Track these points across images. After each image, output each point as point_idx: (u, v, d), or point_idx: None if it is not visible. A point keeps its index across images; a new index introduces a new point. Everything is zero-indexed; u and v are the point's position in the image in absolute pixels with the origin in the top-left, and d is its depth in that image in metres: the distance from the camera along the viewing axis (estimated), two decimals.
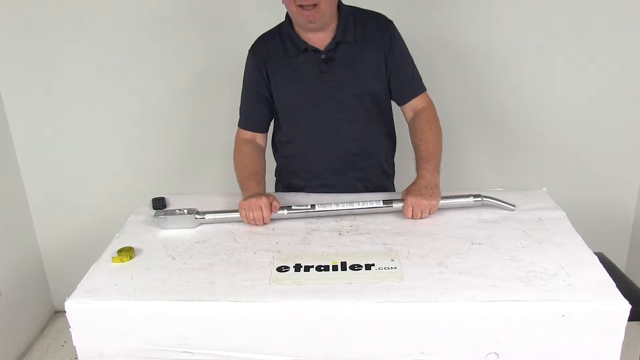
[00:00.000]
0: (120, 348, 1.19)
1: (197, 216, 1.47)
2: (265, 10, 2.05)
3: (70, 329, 1.17)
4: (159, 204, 1.59)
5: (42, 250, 2.53)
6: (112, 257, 1.32)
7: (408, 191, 1.49)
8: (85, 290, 1.20)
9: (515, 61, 2.15)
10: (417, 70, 1.67)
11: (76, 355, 1.20)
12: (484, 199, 1.49)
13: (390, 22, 1.63)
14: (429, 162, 1.55)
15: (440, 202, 1.48)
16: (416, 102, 1.66)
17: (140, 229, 1.48)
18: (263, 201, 1.45)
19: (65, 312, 1.16)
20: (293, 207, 1.49)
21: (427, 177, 1.51)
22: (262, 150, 1.71)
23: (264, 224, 1.47)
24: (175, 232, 1.45)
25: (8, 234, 2.32)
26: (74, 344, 1.19)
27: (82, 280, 1.24)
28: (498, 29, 2.12)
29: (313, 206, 1.49)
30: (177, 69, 2.22)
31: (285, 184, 1.78)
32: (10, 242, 2.33)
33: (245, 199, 1.48)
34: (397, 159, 1.83)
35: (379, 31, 1.60)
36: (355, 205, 1.49)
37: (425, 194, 1.46)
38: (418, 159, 1.58)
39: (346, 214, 1.50)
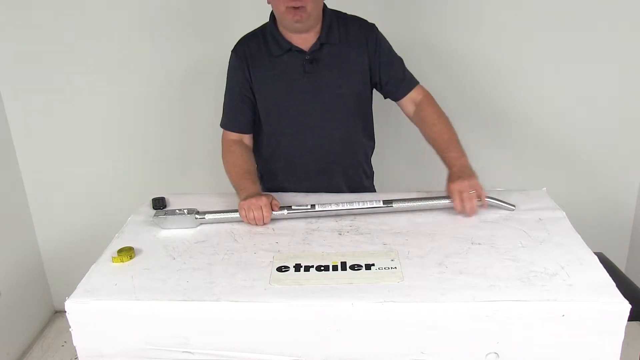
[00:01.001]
0: (120, 348, 1.19)
1: (197, 216, 1.47)
2: (259, 9, 2.06)
3: (70, 329, 1.17)
4: (159, 204, 1.59)
5: (42, 250, 2.53)
6: (112, 257, 1.32)
7: (448, 184, 1.49)
8: (85, 290, 1.20)
9: (515, 61, 2.15)
10: (406, 68, 1.69)
11: (76, 355, 1.20)
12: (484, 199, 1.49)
13: (373, 25, 1.65)
14: (451, 150, 1.56)
15: (439, 202, 1.48)
16: (414, 95, 1.68)
17: (140, 229, 1.48)
18: (263, 201, 1.45)
19: (65, 312, 1.16)
20: (293, 207, 1.49)
21: (456, 164, 1.52)
22: (251, 150, 1.71)
23: (264, 223, 1.46)
24: (175, 232, 1.45)
25: (8, 234, 2.32)
26: (74, 344, 1.19)
27: (82, 280, 1.24)
28: (497, 29, 2.12)
29: (313, 206, 1.49)
30: (176, 68, 2.22)
31: (268, 187, 1.75)
32: (10, 242, 2.33)
33: (244, 198, 1.48)
34: (377, 159, 1.85)
35: (362, 34, 1.62)
36: (355, 205, 1.49)
37: (463, 176, 1.46)
38: (440, 151, 1.59)
39: (346, 214, 1.51)
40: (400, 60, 1.68)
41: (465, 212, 1.44)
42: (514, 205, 1.48)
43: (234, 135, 1.69)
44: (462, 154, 1.56)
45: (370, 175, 1.84)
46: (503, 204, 1.48)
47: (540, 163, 2.29)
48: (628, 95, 2.17)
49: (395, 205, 1.48)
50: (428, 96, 1.69)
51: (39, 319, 2.54)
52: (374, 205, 1.49)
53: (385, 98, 1.74)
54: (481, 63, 2.16)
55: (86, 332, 1.18)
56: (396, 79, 1.67)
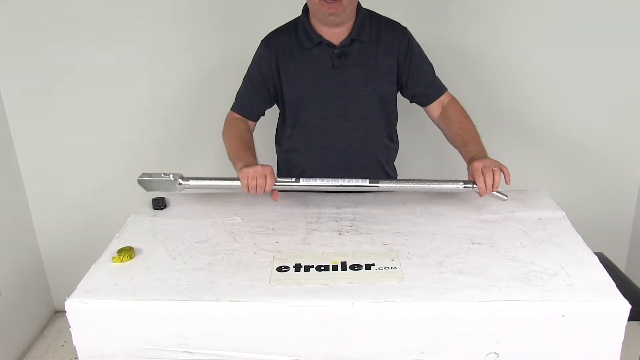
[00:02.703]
0: (120, 348, 1.19)
1: (180, 181, 1.49)
2: (267, 12, 2.06)
3: (70, 329, 1.17)
4: (159, 204, 1.59)
5: (42, 250, 2.53)
6: (112, 257, 1.32)
7: (470, 165, 1.50)
8: (85, 290, 1.20)
9: (514, 62, 2.15)
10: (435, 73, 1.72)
11: (76, 355, 1.20)
12: (474, 186, 1.46)
13: (405, 28, 1.66)
14: (475, 145, 1.58)
15: (430, 186, 1.50)
16: (442, 98, 1.70)
17: (140, 229, 1.48)
18: (268, 169, 1.46)
19: (65, 312, 1.16)
20: (278, 179, 1.50)
21: (478, 154, 1.53)
22: (252, 133, 1.72)
23: (265, 191, 1.46)
24: (175, 232, 1.45)
25: (8, 234, 2.31)
26: (74, 344, 1.19)
27: (82, 280, 1.24)
28: (498, 31, 2.12)
29: (298, 180, 1.51)
30: (177, 69, 2.22)
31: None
32: (10, 242, 2.33)
33: (246, 165, 1.48)
34: (400, 163, 1.85)
35: (394, 36, 1.63)
36: (341, 182, 1.50)
37: (486, 157, 1.48)
38: (463, 144, 1.60)
39: (332, 190, 1.53)
40: (431, 66, 1.70)
41: (488, 187, 1.42)
42: (506, 195, 1.48)
43: (239, 116, 1.71)
44: (484, 150, 1.57)
45: (393, 177, 1.83)
46: (495, 194, 1.47)
47: (540, 163, 2.29)
48: (628, 95, 2.17)
49: (382, 184, 1.50)
50: (455, 99, 1.71)
51: (39, 319, 2.54)
52: (359, 183, 1.50)
53: (411, 102, 1.75)
54: (481, 64, 2.16)
55: (86, 332, 1.18)
56: (426, 85, 1.69)
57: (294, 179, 1.51)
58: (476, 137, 1.61)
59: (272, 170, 1.48)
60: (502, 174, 1.43)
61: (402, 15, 1.73)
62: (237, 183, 1.48)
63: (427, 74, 1.69)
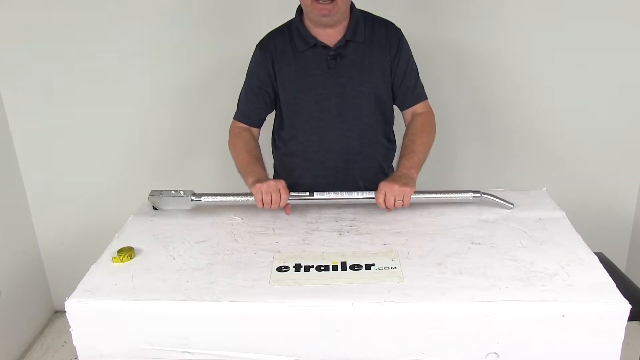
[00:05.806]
0: (120, 348, 1.19)
1: (193, 198, 1.46)
2: (266, 14, 2.06)
3: (70, 329, 1.17)
4: None
5: (42, 250, 2.53)
6: (112, 257, 1.32)
7: (383, 181, 1.50)
8: (85, 290, 1.20)
9: (515, 62, 2.15)
10: (420, 79, 1.70)
11: (76, 355, 1.20)
12: (482, 195, 1.49)
13: (399, 29, 1.66)
14: (409, 159, 1.57)
15: (440, 196, 1.49)
16: (417, 107, 1.69)
17: (140, 229, 1.48)
18: (281, 183, 1.46)
19: (65, 312, 1.16)
20: (292, 194, 1.49)
21: (402, 170, 1.53)
22: (258, 141, 1.72)
23: (279, 207, 1.46)
24: (175, 232, 1.45)
25: (8, 234, 2.32)
26: (74, 344, 1.19)
27: (82, 280, 1.24)
28: (498, 31, 2.11)
29: (312, 194, 1.50)
30: (178, 70, 2.22)
31: None
32: (10, 242, 2.33)
33: (259, 180, 1.47)
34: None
35: (387, 36, 1.63)
36: (354, 195, 1.49)
37: (398, 182, 1.46)
38: (400, 157, 1.60)
39: (345, 203, 1.51)
40: (415, 71, 1.69)
41: (388, 207, 1.46)
42: (512, 204, 1.48)
43: (244, 125, 1.71)
44: (414, 167, 1.55)
45: None
46: (501, 202, 1.48)
47: (540, 163, 2.29)
48: (628, 95, 2.17)
49: None
50: (428, 112, 1.69)
51: (39, 319, 2.54)
52: (373, 196, 1.48)
53: (393, 104, 1.74)
54: (479, 63, 2.16)
55: (86, 332, 1.19)
56: (406, 89, 1.68)
57: (307, 193, 1.50)
58: (415, 152, 1.58)
59: (285, 184, 1.48)
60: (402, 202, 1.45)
61: (396, 15, 1.73)
62: (251, 199, 1.48)
63: (409, 78, 1.67)
